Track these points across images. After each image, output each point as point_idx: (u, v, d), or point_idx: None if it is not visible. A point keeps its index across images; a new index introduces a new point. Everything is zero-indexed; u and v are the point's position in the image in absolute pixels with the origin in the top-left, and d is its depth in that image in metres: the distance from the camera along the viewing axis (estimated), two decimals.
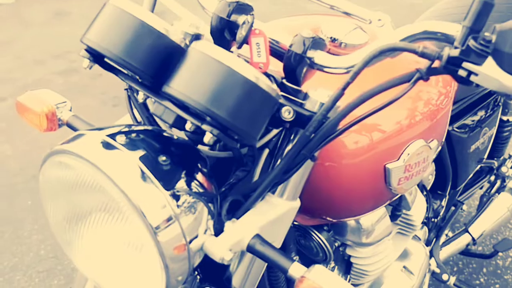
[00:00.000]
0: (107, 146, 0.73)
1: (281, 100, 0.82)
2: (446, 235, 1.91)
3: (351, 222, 1.23)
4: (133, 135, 0.79)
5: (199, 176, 0.81)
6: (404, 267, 1.47)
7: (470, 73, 0.73)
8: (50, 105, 0.96)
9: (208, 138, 0.72)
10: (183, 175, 0.78)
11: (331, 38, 1.06)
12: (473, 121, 1.61)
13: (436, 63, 0.74)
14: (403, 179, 1.05)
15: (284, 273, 0.76)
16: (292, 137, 0.85)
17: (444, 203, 1.68)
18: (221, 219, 0.82)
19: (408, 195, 1.33)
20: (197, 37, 0.89)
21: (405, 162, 1.03)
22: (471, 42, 0.73)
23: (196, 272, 0.93)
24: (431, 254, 1.79)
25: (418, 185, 1.43)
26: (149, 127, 0.84)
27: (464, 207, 1.93)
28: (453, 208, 1.85)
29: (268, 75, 0.86)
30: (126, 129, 0.79)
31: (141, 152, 0.75)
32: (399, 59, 1.01)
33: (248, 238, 0.79)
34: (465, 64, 0.73)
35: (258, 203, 0.84)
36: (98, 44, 0.75)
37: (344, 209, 1.07)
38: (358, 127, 1.01)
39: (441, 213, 1.71)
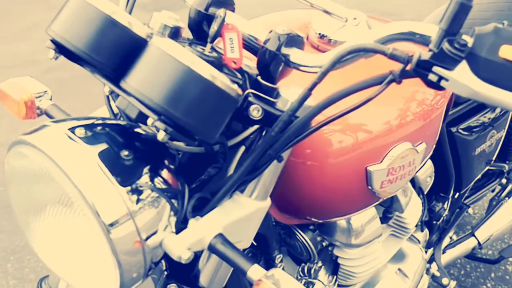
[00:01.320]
0: (66, 139, 0.72)
1: (251, 98, 0.80)
2: (451, 237, 1.87)
3: (340, 222, 1.20)
4: (98, 128, 0.78)
5: (165, 172, 0.80)
6: (399, 269, 1.45)
7: (440, 78, 0.70)
8: (29, 93, 0.96)
9: (162, 135, 0.70)
10: (146, 171, 0.77)
11: (319, 34, 1.04)
12: (479, 123, 1.56)
13: (409, 66, 0.71)
14: (386, 182, 1.02)
15: (243, 275, 0.75)
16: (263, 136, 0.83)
17: (446, 205, 1.64)
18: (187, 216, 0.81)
19: (401, 197, 1.29)
20: (176, 30, 0.88)
21: (388, 165, 1.00)
22: (446, 46, 0.70)
23: (164, 267, 0.92)
24: (433, 257, 1.76)
25: (414, 188, 1.39)
26: (118, 121, 0.82)
27: (472, 210, 1.87)
28: (458, 210, 1.81)
29: (242, 72, 0.84)
30: (92, 122, 0.78)
31: (101, 147, 0.74)
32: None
33: (210, 237, 0.78)
34: (436, 69, 0.69)
35: (225, 202, 0.83)
36: (61, 36, 0.74)
37: (325, 209, 1.05)
38: (342, 127, 0.99)
39: (443, 216, 1.66)
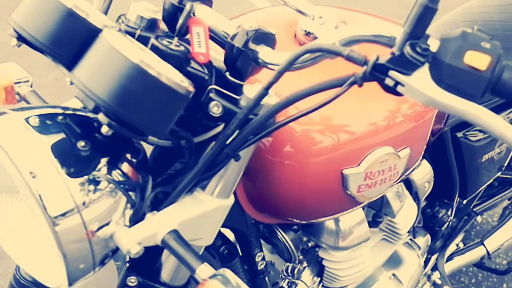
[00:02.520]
0: (20, 128, 0.73)
1: (212, 94, 0.79)
2: (457, 245, 1.81)
3: (326, 223, 1.18)
4: (59, 118, 0.77)
5: (125, 165, 0.80)
6: (394, 274, 1.41)
7: (397, 83, 0.67)
8: (9, 79, 0.97)
9: (105, 129, 0.70)
10: (103, 162, 0.76)
11: (305, 31, 1.01)
12: None
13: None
14: (364, 187, 0.99)
15: (192, 273, 0.74)
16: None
17: (450, 212, 1.59)
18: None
19: (393, 201, 1.26)
20: (153, 22, 0.87)
21: (366, 169, 0.97)
22: (407, 49, 0.67)
23: (128, 259, 0.91)
24: (436, 265, 1.71)
25: (411, 193, 1.35)
26: (83, 112, 0.82)
27: (480, 218, 1.82)
28: (466, 218, 1.75)
29: (210, 67, 0.83)
30: (53, 112, 0.78)
31: (56, 137, 0.74)
32: None
33: (164, 233, 0.77)
34: (392, 73, 0.66)
35: (184, 198, 0.82)
36: (20, 26, 0.74)
37: (302, 210, 1.02)
38: (322, 127, 0.97)
39: (448, 223, 1.62)
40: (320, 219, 1.09)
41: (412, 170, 1.16)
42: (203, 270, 0.73)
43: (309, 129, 0.96)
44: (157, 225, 0.77)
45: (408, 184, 1.36)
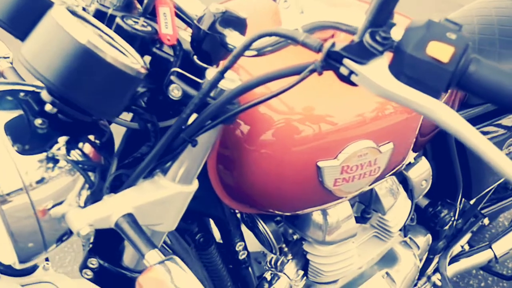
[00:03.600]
0: None
1: (173, 77, 0.77)
2: (462, 246, 1.76)
3: (312, 217, 1.15)
4: (21, 95, 0.77)
5: (86, 145, 0.79)
6: (387, 273, 1.37)
7: (351, 72, 0.64)
8: None
9: (49, 107, 0.69)
10: (61, 141, 0.76)
11: None
12: (494, 129, 1.44)
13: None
14: (340, 181, 0.96)
15: (142, 258, 0.72)
16: None
17: (453, 213, 1.54)
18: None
19: (384, 198, 1.22)
20: (127, 2, 0.85)
21: (342, 163, 0.93)
22: (366, 37, 0.64)
23: (91, 241, 0.90)
24: (438, 266, 1.67)
25: (406, 190, 1.31)
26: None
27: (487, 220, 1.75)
28: (472, 219, 1.69)
29: (179, 49, 0.81)
30: (15, 88, 0.77)
31: (12, 113, 0.73)
32: None
33: (118, 216, 0.75)
34: (346, 61, 0.63)
35: (144, 182, 0.80)
36: None
37: (278, 201, 1.00)
38: (301, 116, 0.94)
39: (450, 223, 1.56)
40: (299, 212, 1.07)
41: (400, 167, 1.12)
42: (152, 256, 0.72)
43: (287, 118, 0.93)
44: (111, 208, 0.76)
45: (404, 181, 1.32)
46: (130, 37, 0.77)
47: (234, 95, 0.71)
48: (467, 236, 1.74)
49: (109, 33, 0.75)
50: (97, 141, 0.81)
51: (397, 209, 1.26)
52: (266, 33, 0.67)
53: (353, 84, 0.65)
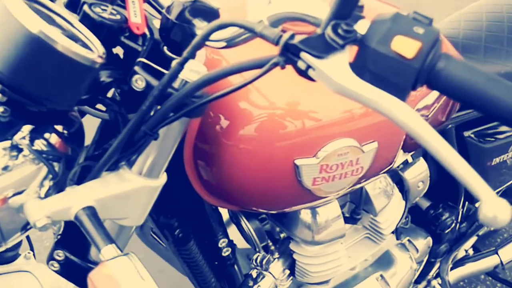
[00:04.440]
0: None
1: (137, 68, 0.74)
2: (466, 251, 1.70)
3: (299, 215, 1.12)
4: None
5: (53, 135, 0.77)
6: (382, 276, 1.33)
7: (309, 66, 0.60)
8: None
9: None
10: (25, 130, 0.74)
11: None
12: (498, 130, 1.39)
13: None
14: (319, 180, 0.92)
15: (98, 252, 0.70)
16: None
17: (455, 216, 1.49)
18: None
19: (376, 199, 1.18)
20: None
21: (321, 161, 0.90)
22: (328, 31, 0.60)
23: (60, 232, 0.89)
24: (439, 270, 1.62)
25: (401, 191, 1.27)
26: None
27: None
28: (477, 224, 1.64)
29: (144, 38, 0.78)
30: None
31: None
32: None
33: (78, 208, 0.73)
34: (304, 55, 0.60)
35: (109, 175, 0.78)
36: None
37: (257, 199, 0.97)
38: (281, 112, 0.91)
39: (453, 227, 1.51)
40: (280, 210, 1.04)
41: (389, 167, 1.08)
42: (108, 251, 0.70)
43: (267, 114, 0.90)
44: (72, 200, 0.74)
45: (400, 181, 1.27)
46: (96, 25, 0.75)
47: (195, 87, 0.69)
48: (472, 240, 1.68)
49: (73, 22, 0.73)
50: (65, 131, 0.79)
51: (390, 210, 1.22)
52: (224, 23, 0.64)
53: (311, 79, 0.61)
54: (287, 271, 1.19)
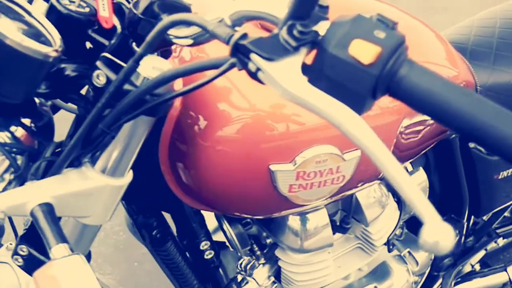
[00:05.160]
0: None
1: (98, 63, 0.72)
2: (472, 266, 1.64)
3: (288, 222, 1.09)
4: None
5: (19, 129, 0.76)
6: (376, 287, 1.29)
7: (258, 69, 0.57)
8: None
9: None
10: None
11: None
12: None
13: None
14: (296, 187, 0.88)
15: (48, 250, 0.68)
16: None
17: (459, 230, 1.43)
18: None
19: (368, 208, 1.13)
20: None
21: (297, 168, 0.86)
22: (282, 32, 0.57)
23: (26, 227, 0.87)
24: (441, 285, 1.56)
25: (396, 202, 1.22)
26: None
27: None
28: (485, 238, 1.57)
29: (113, 33, 0.76)
30: None
31: None
32: None
33: (34, 204, 0.72)
34: (254, 56, 0.56)
35: (70, 172, 0.76)
36: None
37: (232, 203, 0.94)
38: (260, 113, 0.87)
39: (457, 240, 1.46)
40: (258, 216, 1.00)
41: (377, 176, 1.03)
42: (58, 250, 0.68)
43: (246, 116, 0.87)
44: (28, 195, 0.72)
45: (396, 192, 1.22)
46: (63, 18, 0.73)
47: (151, 86, 0.66)
48: (479, 254, 1.62)
49: (35, 15, 0.71)
50: (33, 125, 0.78)
51: (383, 221, 1.17)
52: (175, 20, 0.61)
53: (261, 81, 0.58)
54: (272, 278, 1.16)
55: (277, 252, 1.13)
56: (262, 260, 1.15)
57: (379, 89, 0.56)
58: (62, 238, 0.69)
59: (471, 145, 1.30)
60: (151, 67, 0.70)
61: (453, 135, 1.27)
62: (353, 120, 0.53)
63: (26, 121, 0.80)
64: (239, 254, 1.09)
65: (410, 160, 1.19)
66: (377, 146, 0.52)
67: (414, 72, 0.56)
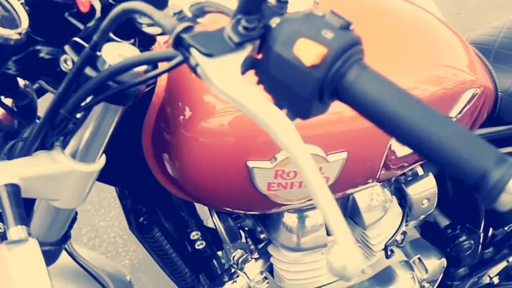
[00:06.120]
0: None
1: (66, 47, 0.71)
2: (491, 278, 1.56)
3: (283, 218, 1.06)
4: None
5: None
6: None
7: (197, 64, 0.54)
8: None
9: None
10: None
11: None
12: None
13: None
14: (275, 186, 0.86)
15: (5, 231, 0.69)
16: None
17: (474, 241, 1.36)
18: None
19: (366, 212, 1.09)
20: None
21: (276, 166, 0.83)
22: (228, 27, 0.54)
23: None
24: None
25: (401, 206, 1.17)
26: None
27: None
28: (505, 251, 1.49)
29: (89, 17, 0.75)
30: None
31: None
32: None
33: (0, 184, 0.72)
34: (193, 51, 0.54)
35: (41, 154, 0.77)
36: None
37: (214, 197, 0.92)
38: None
39: (472, 251, 1.39)
40: (241, 212, 0.98)
41: (372, 180, 0.99)
42: (15, 232, 0.68)
43: (228, 108, 0.85)
44: None
45: (403, 197, 1.18)
46: (40, 0, 0.73)
47: (110, 73, 0.65)
48: (499, 266, 1.54)
49: None
50: (13, 105, 0.79)
51: (384, 226, 1.13)
52: (126, 9, 0.59)
53: (201, 78, 0.56)
54: (265, 274, 1.14)
55: (270, 249, 1.11)
56: (256, 255, 1.13)
57: (326, 93, 0.53)
58: (22, 220, 0.69)
59: None
60: (117, 54, 0.69)
61: None
62: (281, 125, 0.51)
63: (8, 101, 0.81)
64: (227, 247, 1.08)
65: (420, 162, 1.14)
66: (302, 156, 0.50)
67: (364, 78, 0.52)
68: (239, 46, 0.53)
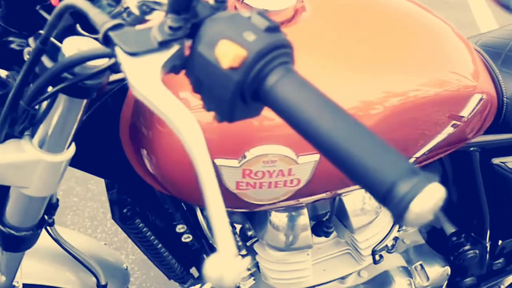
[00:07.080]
0: None
1: (30, 40, 0.73)
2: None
3: (270, 217, 1.06)
4: None
5: None
6: None
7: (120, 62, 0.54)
8: None
9: None
10: None
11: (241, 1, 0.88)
12: None
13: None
14: (244, 185, 0.85)
15: None
16: None
17: (479, 250, 1.31)
18: None
19: (353, 215, 1.07)
20: None
21: (243, 165, 0.82)
22: (155, 26, 0.55)
23: None
24: None
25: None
26: None
27: None
28: None
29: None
30: None
31: None
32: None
33: None
34: (117, 49, 0.54)
35: (12, 142, 0.79)
36: None
37: (189, 194, 0.92)
38: None
39: (477, 260, 1.34)
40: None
41: (349, 183, 0.96)
42: None
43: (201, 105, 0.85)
44: None
45: None
46: None
47: (64, 65, 0.66)
48: (510, 278, 1.48)
49: None
50: None
51: (373, 230, 1.10)
52: (67, 4, 0.60)
53: None
54: (253, 270, 1.14)
55: (256, 247, 1.10)
56: (244, 251, 1.13)
57: (247, 96, 0.52)
58: None
59: (495, 161, 1.18)
60: (76, 48, 0.70)
61: (472, 148, 1.16)
62: (188, 129, 0.50)
63: None
64: (210, 241, 1.08)
65: (424, 163, 1.10)
66: (202, 161, 0.49)
67: (285, 82, 0.51)
68: (162, 45, 0.53)
